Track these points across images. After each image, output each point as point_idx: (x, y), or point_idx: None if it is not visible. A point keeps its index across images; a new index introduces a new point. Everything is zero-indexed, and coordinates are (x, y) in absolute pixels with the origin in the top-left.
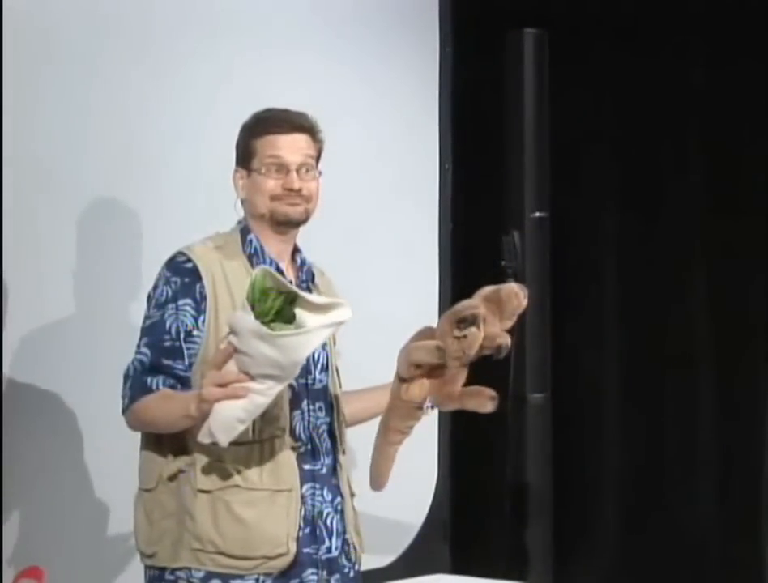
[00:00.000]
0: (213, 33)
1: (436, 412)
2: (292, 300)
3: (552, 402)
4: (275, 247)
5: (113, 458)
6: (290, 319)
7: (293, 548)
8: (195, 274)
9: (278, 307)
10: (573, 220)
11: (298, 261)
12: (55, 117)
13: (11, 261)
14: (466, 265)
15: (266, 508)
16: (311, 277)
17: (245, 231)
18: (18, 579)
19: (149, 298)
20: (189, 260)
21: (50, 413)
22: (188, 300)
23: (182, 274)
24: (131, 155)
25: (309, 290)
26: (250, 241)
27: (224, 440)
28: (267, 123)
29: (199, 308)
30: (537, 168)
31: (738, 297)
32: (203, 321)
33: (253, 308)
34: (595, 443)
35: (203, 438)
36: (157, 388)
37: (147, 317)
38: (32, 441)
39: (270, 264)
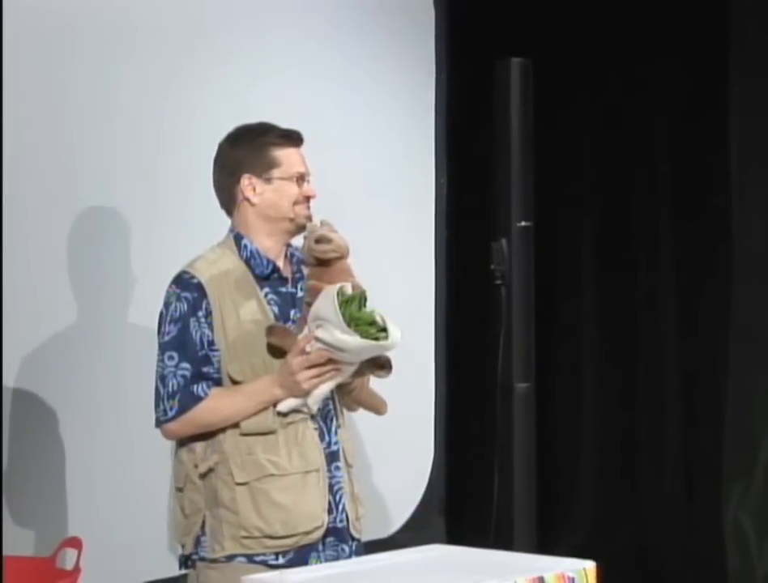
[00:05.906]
0: (211, 43)
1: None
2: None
3: (535, 391)
4: (270, 248)
5: (115, 457)
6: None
7: (326, 520)
8: (201, 290)
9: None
10: (555, 229)
11: (289, 254)
12: (49, 123)
13: (8, 267)
14: (459, 269)
15: (300, 489)
16: (301, 264)
17: (238, 237)
18: (60, 548)
19: (161, 315)
20: (193, 276)
21: (52, 416)
22: (203, 313)
23: (191, 290)
24: (126, 160)
25: (303, 278)
26: (245, 246)
27: (314, 409)
28: (285, 136)
29: (208, 321)
30: (523, 182)
31: (698, 305)
32: (214, 331)
33: (344, 315)
34: (573, 427)
35: (284, 407)
36: (204, 394)
37: (165, 333)
38: (34, 444)
39: (267, 264)
